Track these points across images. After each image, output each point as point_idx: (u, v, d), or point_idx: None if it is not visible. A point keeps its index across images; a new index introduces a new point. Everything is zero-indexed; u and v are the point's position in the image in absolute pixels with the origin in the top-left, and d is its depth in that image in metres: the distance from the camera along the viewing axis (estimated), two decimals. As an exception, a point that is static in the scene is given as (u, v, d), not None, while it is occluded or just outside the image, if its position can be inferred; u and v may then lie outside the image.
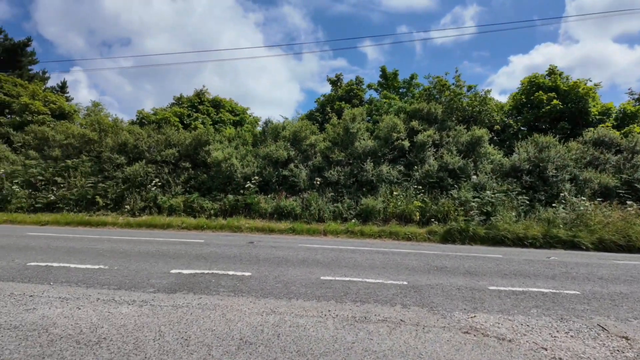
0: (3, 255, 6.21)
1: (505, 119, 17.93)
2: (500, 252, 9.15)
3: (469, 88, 18.10)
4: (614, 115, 17.02)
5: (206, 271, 5.50)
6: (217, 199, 14.39)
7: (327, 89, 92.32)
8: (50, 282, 4.53)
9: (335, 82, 25.66)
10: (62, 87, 27.23)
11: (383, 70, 24.89)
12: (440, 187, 14.03)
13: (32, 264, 5.56)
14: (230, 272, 5.45)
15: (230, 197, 14.17)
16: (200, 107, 21.43)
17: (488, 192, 12.99)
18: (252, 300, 4.25)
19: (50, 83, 27.12)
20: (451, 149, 15.06)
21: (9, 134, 17.31)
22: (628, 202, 11.73)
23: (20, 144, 16.74)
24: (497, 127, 17.54)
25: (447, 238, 11.55)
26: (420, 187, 13.96)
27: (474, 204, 12.68)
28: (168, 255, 6.74)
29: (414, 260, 7.29)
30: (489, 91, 17.61)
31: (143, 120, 20.60)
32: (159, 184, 14.84)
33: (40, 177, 14.66)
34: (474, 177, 13.78)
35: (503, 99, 18.61)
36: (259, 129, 19.67)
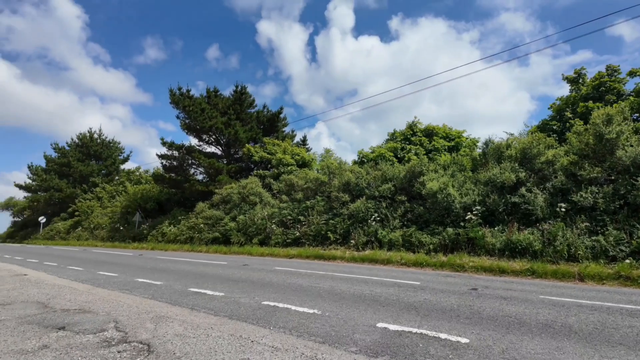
0: (250, 291, 7.62)
1: None
2: None
3: None
4: None
5: (414, 330, 4.90)
6: (436, 233, 13.63)
7: (565, 90, 75.81)
8: (271, 326, 5.06)
9: (575, 80, 20.65)
10: (304, 141, 33.58)
11: (654, 46, 18.11)
12: None
13: (265, 303, 6.49)
14: (443, 336, 4.63)
15: (450, 230, 13.13)
16: (412, 138, 21.58)
17: None
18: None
19: (297, 139, 33.95)
20: None
21: (270, 183, 22.47)
22: None
23: (277, 191, 21.37)
24: None
25: None
26: None
27: None
28: (379, 302, 6.55)
29: None
30: None
31: (363, 159, 22.50)
32: (378, 218, 15.49)
33: (289, 217, 18.09)
34: None
35: None
36: (478, 151, 17.86)
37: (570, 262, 10.19)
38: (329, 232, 16.21)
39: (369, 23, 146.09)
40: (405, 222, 15.23)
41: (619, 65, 19.74)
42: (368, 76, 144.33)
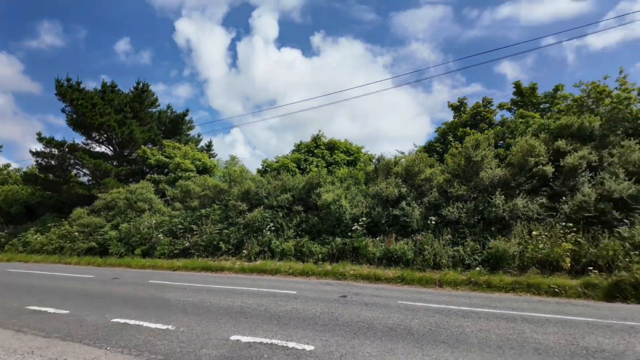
0: (104, 307, 6.90)
1: None
2: None
3: (640, 90, 14.00)
4: None
5: (266, 340, 4.94)
6: (326, 243, 14.16)
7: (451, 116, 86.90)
8: (110, 345, 4.66)
9: (458, 108, 23.59)
10: (209, 146, 32.36)
11: (517, 85, 21.71)
12: (600, 223, 10.79)
13: (116, 320, 5.95)
14: (291, 344, 4.76)
15: (338, 240, 13.76)
16: (316, 151, 22.31)
17: (684, 229, 9.27)
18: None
19: (203, 144, 32.48)
20: (616, 172, 11.56)
21: (164, 189, 21.04)
22: None
23: (171, 197, 20.08)
24: (692, 136, 12.86)
25: (615, 294, 8.66)
26: (572, 224, 10.95)
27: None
28: (245, 313, 6.51)
29: (553, 335, 5.35)
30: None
31: (267, 168, 22.48)
32: (273, 228, 15.53)
33: (180, 226, 17.11)
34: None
35: None
36: (372, 166, 19.14)
37: (435, 270, 11.43)
38: (221, 242, 15.71)
39: (292, 36, 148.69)
40: (300, 232, 15.53)
41: (492, 98, 23.18)
42: (288, 88, 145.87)
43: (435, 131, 24.00)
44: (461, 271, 11.12)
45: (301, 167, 21.89)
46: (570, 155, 12.48)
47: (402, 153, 18.48)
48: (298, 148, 24.77)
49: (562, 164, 12.48)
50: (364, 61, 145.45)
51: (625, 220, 10.49)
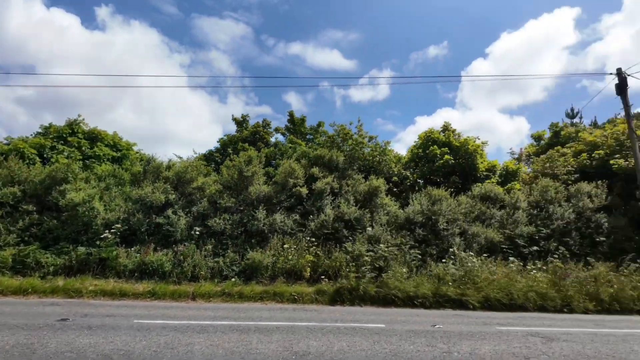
0: None
1: (403, 171, 18.36)
2: (385, 319, 8.29)
3: (370, 138, 18.37)
4: (498, 172, 18.49)
5: None
6: (64, 252, 11.64)
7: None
8: None
9: (241, 123, 24.63)
10: None
11: (291, 114, 24.67)
12: (335, 239, 13.24)
13: None
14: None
15: (82, 249, 11.59)
16: (70, 139, 18.40)
17: (382, 245, 12.49)
18: None
19: None
20: (349, 199, 14.57)
21: None
22: (510, 259, 12.07)
23: None
24: (395, 178, 17.79)
25: (337, 299, 10.55)
26: (314, 239, 12.97)
27: (367, 258, 12.03)
28: None
29: (275, 343, 5.93)
30: (388, 142, 18.10)
31: (-9, 150, 16.81)
32: (-19, 231, 11.59)
33: None
34: (369, 228, 13.28)
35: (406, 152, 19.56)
36: (142, 167, 17.30)
37: (192, 282, 11.18)
38: None
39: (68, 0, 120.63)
40: (27, 238, 12.21)
41: (271, 121, 25.39)
42: (57, 57, 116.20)
43: (217, 141, 24.28)
44: (218, 282, 11.28)
45: (45, 155, 17.54)
46: (320, 181, 14.95)
47: (180, 158, 17.62)
48: (45, 131, 19.82)
49: (314, 187, 14.78)
50: (158, 53, 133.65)
51: (350, 238, 13.30)
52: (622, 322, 9.14)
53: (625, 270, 11.61)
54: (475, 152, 17.49)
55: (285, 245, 12.57)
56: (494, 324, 7.93)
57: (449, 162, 17.36)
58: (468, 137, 18.19)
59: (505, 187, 16.64)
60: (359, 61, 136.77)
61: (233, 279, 11.34)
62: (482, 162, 18.14)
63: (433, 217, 13.58)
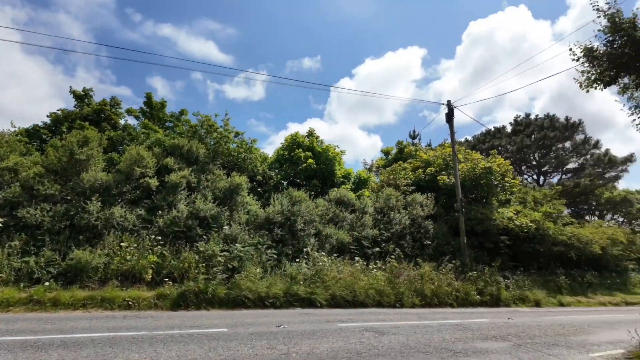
0: None
1: (268, 171, 18.29)
2: (230, 322, 7.81)
3: (237, 134, 17.72)
4: (352, 180, 20.10)
5: None
6: None
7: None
8: None
9: (82, 98, 20.79)
10: None
11: (148, 97, 22.05)
12: (187, 237, 12.13)
13: None
14: None
15: None
16: None
17: (238, 245, 12.00)
18: None
19: None
20: (207, 195, 13.61)
21: None
22: (356, 258, 13.05)
23: None
24: (259, 177, 17.56)
25: (181, 303, 9.59)
26: (162, 237, 11.63)
27: (220, 258, 11.37)
28: None
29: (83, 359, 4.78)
30: (255, 140, 17.81)
31: None
32: None
33: None
34: (226, 227, 12.62)
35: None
36: None
37: (-18, 288, 8.62)
38: None
39: None
40: None
41: (121, 100, 22.09)
42: None
43: (48, 116, 19.84)
44: (25, 287, 8.99)
45: None
46: (175, 173, 13.61)
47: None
48: None
49: (166, 180, 13.34)
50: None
51: (205, 237, 12.37)
52: (438, 314, 10.75)
53: (443, 270, 13.83)
54: (335, 159, 18.63)
55: (124, 244, 10.91)
56: (337, 321, 8.29)
57: (311, 166, 18.02)
58: (329, 144, 19.28)
59: (357, 194, 18.14)
60: (235, 58, 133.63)
61: (47, 283, 9.19)
62: (339, 169, 19.44)
63: (292, 218, 13.76)
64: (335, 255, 13.19)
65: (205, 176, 14.70)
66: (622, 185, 34.73)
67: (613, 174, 33.21)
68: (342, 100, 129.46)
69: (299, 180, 18.66)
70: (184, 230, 12.26)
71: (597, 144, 33.56)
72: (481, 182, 18.08)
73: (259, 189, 17.58)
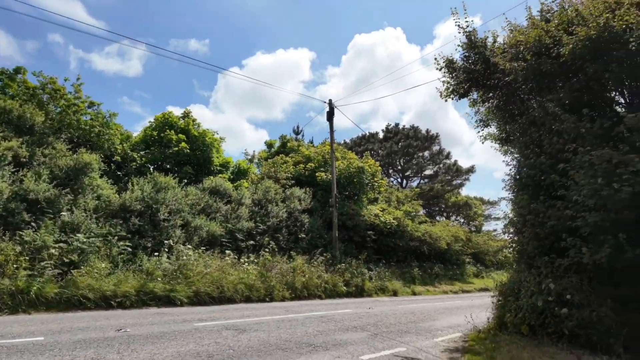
0: None
1: (131, 152, 15.99)
2: (54, 328, 6.27)
3: (92, 104, 15.00)
4: (231, 169, 19.08)
5: None
6: None
7: None
8: None
9: None
10: None
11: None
12: (7, 224, 9.59)
13: None
14: None
15: None
16: None
17: (81, 235, 10.00)
18: None
19: None
20: (42, 173, 11.04)
21: None
22: (227, 252, 12.23)
23: None
24: (117, 158, 15.20)
25: (-15, 307, 7.40)
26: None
27: (54, 251, 9.28)
28: None
29: None
30: (114, 114, 15.35)
31: None
32: None
33: None
34: (66, 214, 10.42)
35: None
36: None
37: None
38: None
39: None
40: None
41: None
42: None
43: None
44: None
45: None
46: (-2, 142, 10.70)
47: None
48: None
49: (-18, 150, 10.37)
50: None
51: (34, 224, 9.95)
52: (306, 306, 10.73)
53: (315, 262, 14.02)
54: (212, 145, 17.36)
55: None
56: (195, 320, 7.42)
57: (184, 151, 16.40)
58: (208, 129, 17.89)
59: (235, 184, 17.26)
60: (108, 24, 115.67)
61: None
62: (217, 157, 18.23)
63: (154, 206, 12.16)
64: (204, 248, 12.11)
65: (42, 150, 11.96)
66: (464, 191, 41.35)
67: (459, 181, 39.34)
68: (231, 90, 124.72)
69: (168, 166, 16.84)
70: (2, 214, 9.66)
71: (448, 155, 39.27)
72: (354, 180, 19.09)
73: (118, 172, 15.23)
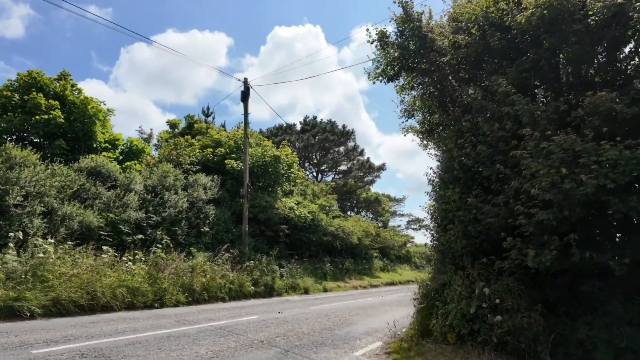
0: None
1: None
2: None
3: None
4: (121, 148, 16.16)
5: None
6: None
7: None
8: None
9: None
10: None
11: None
12: None
13: None
14: None
15: None
16: None
17: None
18: None
19: None
20: None
21: None
22: (104, 248, 9.88)
23: None
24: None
25: None
26: None
27: None
28: None
29: None
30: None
31: None
32: None
33: None
34: None
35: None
36: None
37: None
38: None
39: None
40: None
41: None
42: None
43: None
44: None
45: None
46: None
47: None
48: None
49: None
50: None
51: None
52: (205, 313, 9.10)
53: (219, 260, 12.33)
54: (96, 117, 14.35)
55: None
56: (39, 344, 5.37)
57: (56, 120, 13.20)
58: (91, 97, 14.75)
59: (124, 165, 14.56)
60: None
61: None
62: (103, 132, 15.22)
63: (1, 187, 9.27)
64: (73, 243, 9.61)
65: None
66: (374, 188, 42.66)
67: (370, 178, 40.39)
68: (136, 67, 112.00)
69: (35, 139, 13.48)
70: None
71: (362, 152, 40.02)
72: (269, 170, 17.68)
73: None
